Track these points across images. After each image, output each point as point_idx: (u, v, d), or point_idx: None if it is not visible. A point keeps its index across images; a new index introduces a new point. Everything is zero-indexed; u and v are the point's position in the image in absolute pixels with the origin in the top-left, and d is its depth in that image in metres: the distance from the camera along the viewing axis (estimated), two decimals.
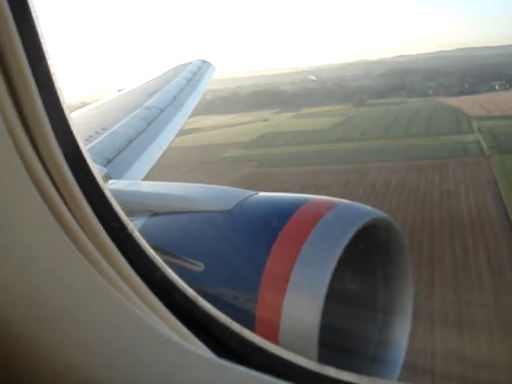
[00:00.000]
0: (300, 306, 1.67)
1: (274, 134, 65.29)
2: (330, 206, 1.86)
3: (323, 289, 1.63)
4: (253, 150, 54.76)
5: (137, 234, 0.88)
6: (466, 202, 30.44)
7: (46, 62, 0.79)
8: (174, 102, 6.58)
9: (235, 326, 0.88)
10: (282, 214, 1.85)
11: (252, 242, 1.86)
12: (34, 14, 0.77)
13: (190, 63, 8.87)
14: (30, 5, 0.77)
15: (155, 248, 0.92)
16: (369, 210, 1.88)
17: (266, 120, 79.71)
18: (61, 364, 0.75)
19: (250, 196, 2.03)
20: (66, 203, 0.78)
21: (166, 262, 0.91)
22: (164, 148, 5.30)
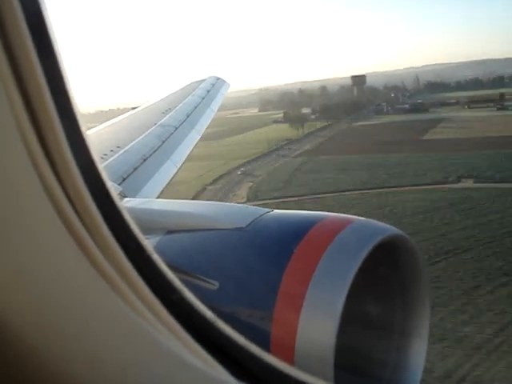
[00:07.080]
0: (316, 325, 1.65)
1: None
2: (345, 224, 1.84)
3: (339, 308, 1.61)
4: None
5: (154, 254, 0.87)
6: None
7: (65, 83, 0.79)
8: (188, 119, 6.63)
9: (255, 350, 0.86)
10: (296, 232, 1.84)
11: (267, 260, 1.85)
12: (50, 29, 0.77)
13: (204, 80, 8.96)
14: (44, 11, 0.77)
15: (170, 266, 0.91)
16: (384, 228, 1.86)
17: None
18: (69, 378, 0.74)
19: (265, 213, 2.02)
20: (82, 221, 0.78)
21: (180, 280, 0.90)
22: (178, 165, 5.31)
